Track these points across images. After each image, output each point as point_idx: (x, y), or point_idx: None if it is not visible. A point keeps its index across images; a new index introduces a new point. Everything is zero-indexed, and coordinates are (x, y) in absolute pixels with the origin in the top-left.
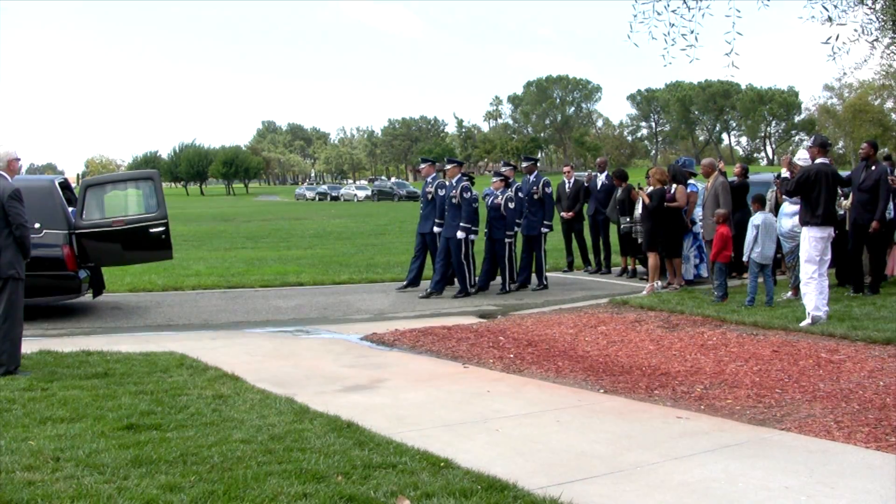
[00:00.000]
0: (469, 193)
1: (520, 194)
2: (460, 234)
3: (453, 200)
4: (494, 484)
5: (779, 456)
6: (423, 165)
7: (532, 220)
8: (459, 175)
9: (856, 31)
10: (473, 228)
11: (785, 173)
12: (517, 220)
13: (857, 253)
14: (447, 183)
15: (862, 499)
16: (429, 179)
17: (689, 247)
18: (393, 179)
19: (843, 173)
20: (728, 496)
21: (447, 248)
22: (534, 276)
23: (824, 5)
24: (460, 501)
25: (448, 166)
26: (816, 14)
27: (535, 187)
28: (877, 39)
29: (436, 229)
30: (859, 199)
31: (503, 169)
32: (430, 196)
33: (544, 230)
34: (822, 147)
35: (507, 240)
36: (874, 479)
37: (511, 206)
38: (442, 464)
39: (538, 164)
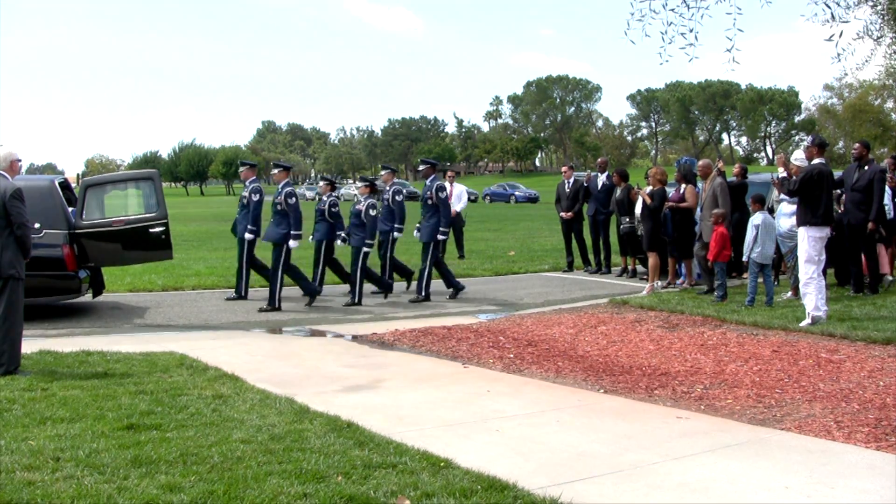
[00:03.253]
0: (293, 199)
1: (398, 197)
2: (293, 244)
3: (278, 207)
4: (494, 484)
5: (779, 456)
6: (242, 169)
7: (426, 225)
8: (286, 180)
9: (858, 33)
10: (297, 233)
11: (782, 173)
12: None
13: (855, 253)
14: (279, 189)
15: (862, 499)
16: (247, 183)
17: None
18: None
19: (836, 173)
20: (728, 496)
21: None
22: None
23: (827, 3)
24: (460, 501)
25: (275, 171)
26: (819, 12)
27: (429, 192)
28: (882, 36)
29: (248, 236)
30: (852, 199)
31: (382, 173)
32: (244, 201)
33: (440, 237)
34: (820, 147)
35: (364, 248)
36: (874, 479)
37: (372, 213)
38: (442, 464)
39: (436, 168)
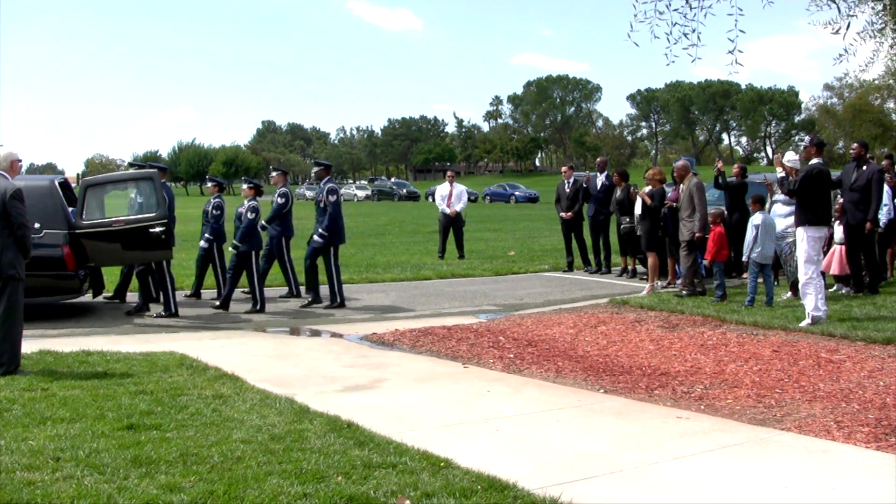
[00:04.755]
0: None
1: (280, 200)
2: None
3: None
4: (494, 484)
5: (779, 456)
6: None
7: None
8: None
9: (860, 33)
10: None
11: (781, 173)
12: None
13: (854, 253)
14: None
15: (862, 499)
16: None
17: None
18: (393, 179)
19: (834, 173)
20: (728, 496)
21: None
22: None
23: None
24: (460, 501)
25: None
26: (824, 7)
27: (321, 195)
28: (883, 28)
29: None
30: (851, 200)
31: (273, 174)
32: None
33: (318, 239)
34: (819, 147)
35: (244, 252)
36: (874, 479)
37: (250, 216)
38: (442, 464)
39: (330, 171)
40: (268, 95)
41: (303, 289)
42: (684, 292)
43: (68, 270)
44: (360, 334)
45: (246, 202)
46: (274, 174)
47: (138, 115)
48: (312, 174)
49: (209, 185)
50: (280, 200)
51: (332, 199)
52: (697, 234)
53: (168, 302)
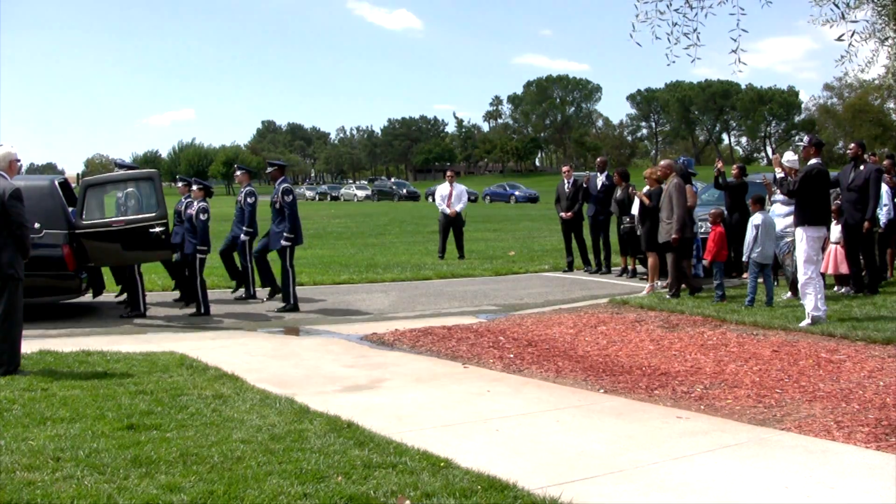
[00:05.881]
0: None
1: (249, 199)
2: None
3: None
4: (494, 484)
5: (779, 456)
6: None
7: (275, 231)
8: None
9: (860, 35)
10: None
11: (780, 174)
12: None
13: (853, 253)
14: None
15: (862, 499)
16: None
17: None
18: (393, 179)
19: (833, 173)
20: (728, 496)
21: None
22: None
23: (836, 3)
24: (460, 501)
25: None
26: (827, 12)
27: (276, 196)
28: (886, 38)
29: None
30: (848, 199)
31: (238, 173)
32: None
33: (284, 243)
34: (817, 147)
35: (199, 255)
36: (874, 479)
37: (202, 217)
38: (442, 464)
39: (284, 171)
40: (268, 95)
41: (262, 290)
42: (668, 295)
43: (68, 270)
44: (360, 334)
45: (196, 203)
46: (238, 173)
47: (138, 115)
48: (267, 174)
49: (179, 185)
50: (250, 200)
51: (289, 199)
52: (674, 237)
53: (137, 301)
